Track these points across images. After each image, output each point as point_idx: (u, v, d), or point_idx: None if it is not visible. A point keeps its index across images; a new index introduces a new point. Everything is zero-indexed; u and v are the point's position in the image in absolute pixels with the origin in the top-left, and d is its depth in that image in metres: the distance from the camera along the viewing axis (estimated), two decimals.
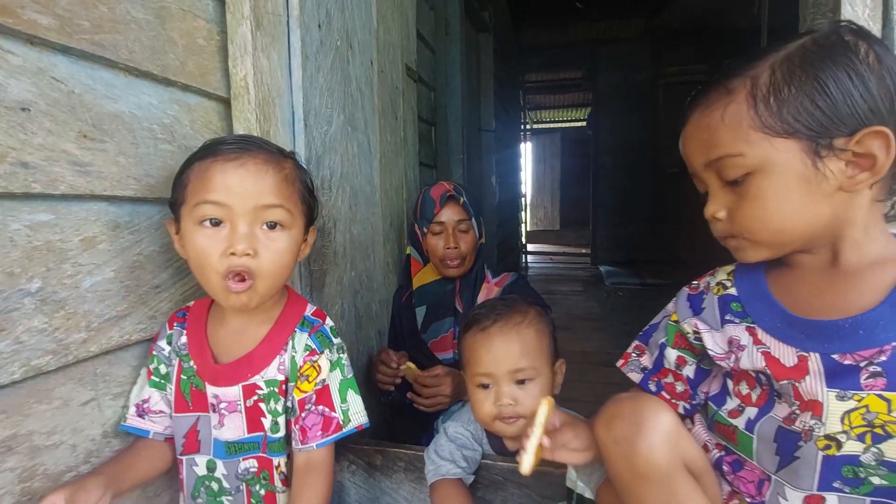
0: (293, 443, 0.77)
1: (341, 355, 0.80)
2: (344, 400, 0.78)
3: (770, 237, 0.59)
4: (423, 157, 2.09)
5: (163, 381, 0.77)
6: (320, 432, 0.75)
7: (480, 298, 1.44)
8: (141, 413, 0.75)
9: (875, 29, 0.72)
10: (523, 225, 6.28)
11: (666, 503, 0.60)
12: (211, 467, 0.76)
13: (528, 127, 7.94)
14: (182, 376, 0.76)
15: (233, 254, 0.67)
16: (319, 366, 0.76)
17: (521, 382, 0.84)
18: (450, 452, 0.89)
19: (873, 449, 0.55)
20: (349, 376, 0.80)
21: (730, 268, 0.70)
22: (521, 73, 6.13)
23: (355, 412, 0.79)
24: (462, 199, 1.37)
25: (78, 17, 0.65)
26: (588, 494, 0.77)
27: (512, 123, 5.40)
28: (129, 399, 0.76)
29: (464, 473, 0.87)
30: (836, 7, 0.73)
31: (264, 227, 0.70)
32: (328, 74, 1.17)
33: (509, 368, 0.84)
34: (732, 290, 0.67)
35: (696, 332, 0.68)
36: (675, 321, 0.71)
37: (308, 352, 0.76)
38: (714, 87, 0.59)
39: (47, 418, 0.64)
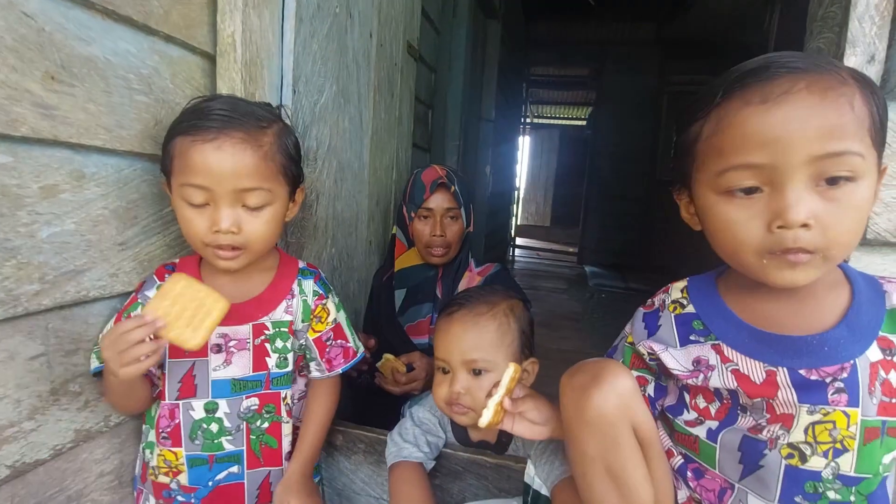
0: (317, 372, 0.88)
1: (337, 299, 0.92)
2: (352, 334, 0.92)
3: (847, 251, 0.55)
4: (417, 138, 2.06)
5: None
6: (342, 360, 0.89)
7: (461, 286, 1.42)
8: None
9: (881, 47, 0.71)
10: (514, 218, 6.26)
11: (605, 453, 0.62)
12: (210, 409, 0.79)
13: (527, 121, 7.88)
14: None
15: (218, 231, 0.70)
16: (328, 308, 0.87)
17: (477, 373, 0.83)
18: (414, 436, 0.88)
19: (832, 464, 0.56)
20: (348, 315, 0.93)
21: (682, 284, 0.69)
22: (527, 66, 6.06)
23: (358, 344, 0.93)
24: (453, 188, 1.34)
25: None
26: (544, 492, 0.77)
27: (512, 115, 5.35)
28: (97, 345, 0.74)
29: (425, 458, 0.86)
30: (843, 22, 0.71)
31: (248, 204, 0.72)
32: (323, 42, 1.12)
33: (462, 358, 0.83)
34: (690, 309, 0.66)
35: (651, 353, 0.66)
36: (630, 343, 0.70)
37: (317, 296, 0.86)
38: (822, 72, 0.51)
39: None
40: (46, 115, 0.63)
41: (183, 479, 0.78)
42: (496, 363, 0.82)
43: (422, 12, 1.88)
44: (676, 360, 0.64)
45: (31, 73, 0.61)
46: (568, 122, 10.09)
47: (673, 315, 0.67)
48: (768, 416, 0.59)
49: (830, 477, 0.56)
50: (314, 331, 0.87)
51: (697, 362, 0.63)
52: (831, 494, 0.57)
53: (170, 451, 0.78)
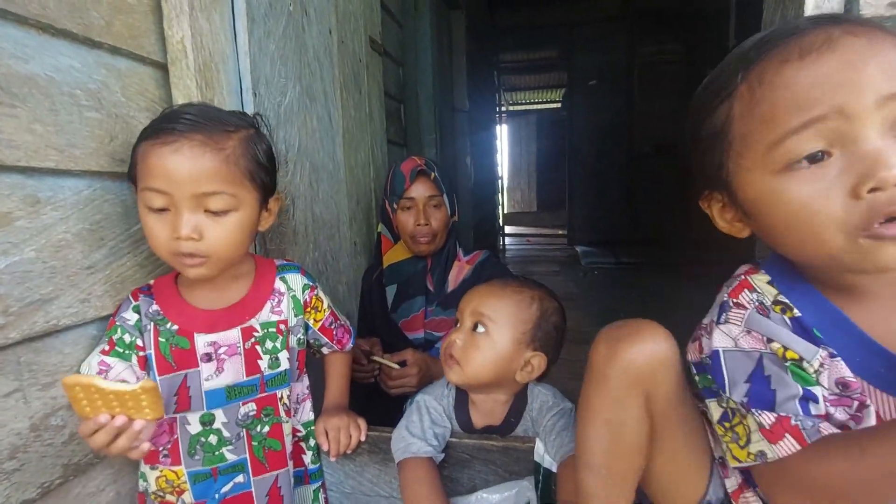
0: (328, 350, 0.95)
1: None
2: (342, 314, 0.97)
3: None
4: (392, 135, 2.03)
5: (127, 352, 0.74)
6: (347, 337, 0.96)
7: (452, 277, 1.41)
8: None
9: (838, 9, 0.70)
10: (500, 207, 6.26)
11: (611, 416, 0.59)
12: (207, 421, 0.77)
13: (503, 109, 7.87)
14: (160, 339, 0.75)
15: (178, 238, 0.67)
16: (320, 296, 0.90)
17: (475, 328, 0.88)
18: (422, 429, 0.87)
19: None
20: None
21: (765, 276, 0.56)
22: (496, 53, 6.04)
23: (345, 319, 0.98)
24: (433, 175, 1.32)
25: None
26: (555, 469, 0.75)
27: (486, 105, 5.33)
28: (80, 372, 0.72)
29: (434, 452, 0.84)
30: None
31: (210, 209, 0.69)
32: (280, 41, 1.09)
33: (473, 308, 0.89)
34: (797, 312, 0.52)
35: (821, 366, 0.50)
36: (795, 359, 0.51)
37: (309, 289, 0.88)
38: (856, 21, 0.46)
39: None
40: None
41: (187, 497, 0.76)
42: (500, 329, 0.85)
43: (382, 7, 1.85)
44: (829, 379, 0.50)
45: None
46: (544, 107, 10.10)
47: (788, 319, 0.52)
48: None
49: None
50: (315, 321, 0.90)
51: (845, 386, 0.49)
52: None
53: (170, 470, 0.76)
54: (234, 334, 0.78)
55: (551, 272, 4.92)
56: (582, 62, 5.93)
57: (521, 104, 10.25)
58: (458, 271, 1.42)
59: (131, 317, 0.75)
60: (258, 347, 0.80)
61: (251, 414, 0.80)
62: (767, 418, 0.50)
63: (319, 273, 1.28)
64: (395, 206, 1.34)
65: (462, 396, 0.92)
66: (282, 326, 0.83)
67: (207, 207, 0.69)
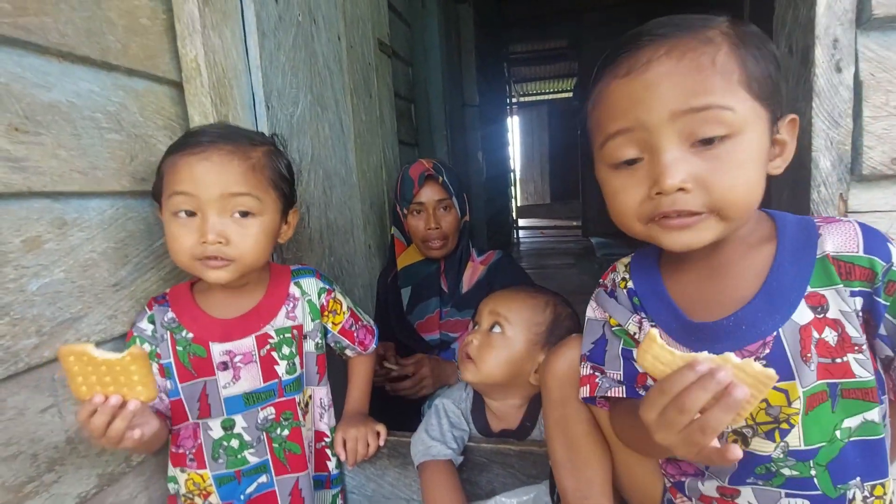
0: (352, 353, 0.97)
1: (339, 288, 0.95)
2: (361, 312, 0.97)
3: (743, 211, 0.53)
4: (403, 135, 2.03)
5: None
6: (370, 338, 0.97)
7: (466, 278, 1.41)
8: None
9: (850, 9, 0.69)
10: (513, 200, 6.23)
11: (557, 410, 0.70)
12: (227, 426, 0.79)
13: (514, 100, 7.80)
14: (178, 348, 0.77)
15: (205, 242, 0.69)
16: (338, 299, 0.91)
17: (492, 328, 0.90)
18: (441, 432, 0.89)
19: (781, 444, 0.54)
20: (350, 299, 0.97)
21: (626, 259, 0.69)
22: (505, 45, 5.98)
23: (368, 318, 0.99)
24: (441, 178, 1.33)
25: None
26: None
27: (497, 97, 5.29)
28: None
29: (453, 455, 0.86)
30: None
31: (236, 215, 0.72)
32: (290, 52, 1.11)
33: (491, 308, 0.92)
34: (631, 284, 0.66)
35: (640, 328, 0.64)
36: (617, 325, 0.66)
37: (325, 292, 0.89)
38: (684, 35, 0.52)
39: (1, 429, 0.61)
40: (17, 168, 0.63)
41: (214, 499, 0.79)
42: (515, 329, 0.88)
43: (389, 7, 1.85)
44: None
45: None
46: (555, 97, 9.98)
47: (624, 291, 0.66)
48: None
49: (782, 456, 0.54)
50: (335, 324, 0.90)
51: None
52: (786, 472, 0.55)
53: (196, 473, 0.79)
54: (248, 342, 0.79)
55: (566, 264, 4.89)
56: (592, 50, 5.84)
57: (532, 95, 10.14)
58: (473, 272, 1.43)
59: (147, 327, 0.77)
60: (274, 353, 0.81)
61: (270, 418, 0.82)
62: (586, 369, 0.67)
63: (336, 278, 1.30)
64: (405, 210, 1.35)
65: (479, 400, 0.93)
66: (296, 332, 0.84)
67: (234, 208, 0.71)
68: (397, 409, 1.31)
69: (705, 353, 0.45)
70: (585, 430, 0.68)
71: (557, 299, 0.94)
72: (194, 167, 0.69)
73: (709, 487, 0.61)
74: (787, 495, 0.55)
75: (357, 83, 1.48)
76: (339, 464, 0.94)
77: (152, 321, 0.77)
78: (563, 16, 5.78)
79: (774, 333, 0.53)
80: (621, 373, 0.64)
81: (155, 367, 0.77)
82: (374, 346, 0.98)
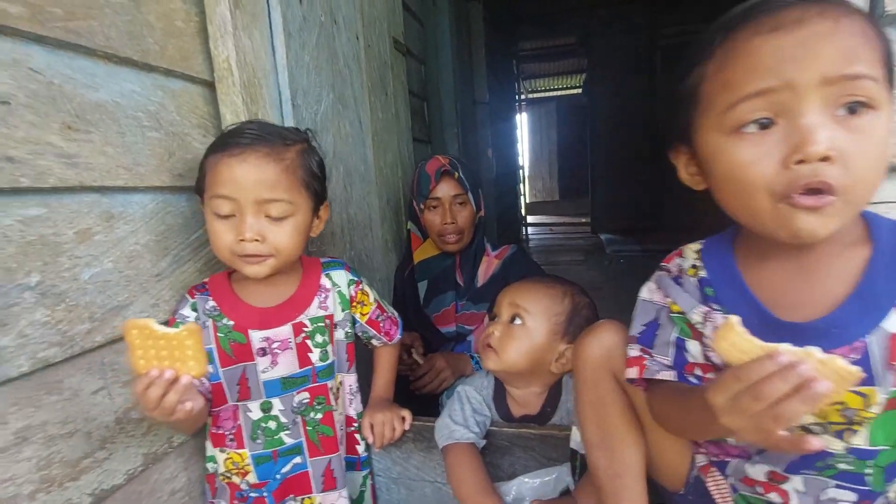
0: (378, 343, 1.01)
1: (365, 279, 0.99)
2: (386, 303, 1.02)
3: (869, 196, 0.49)
4: (416, 132, 2.07)
5: None
6: (395, 328, 1.01)
7: (481, 272, 1.45)
8: None
9: (863, 5, 0.70)
10: (522, 197, 6.24)
11: (590, 394, 0.71)
12: (266, 408, 0.84)
13: (522, 97, 7.80)
14: (219, 334, 0.81)
15: (243, 240, 0.74)
16: (366, 290, 0.96)
17: (513, 320, 0.93)
18: (464, 417, 0.92)
19: (847, 444, 0.54)
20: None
21: (696, 246, 0.65)
22: (514, 42, 5.98)
23: (392, 310, 1.03)
24: (457, 174, 1.36)
25: (49, 3, 0.64)
26: None
27: (506, 94, 5.30)
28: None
29: (476, 438, 0.89)
30: None
31: (271, 216, 0.77)
32: (314, 52, 1.14)
33: (510, 300, 0.94)
34: (704, 273, 0.62)
35: (706, 319, 0.60)
36: (679, 312, 0.62)
37: (354, 284, 0.94)
38: (833, 2, 0.49)
39: (59, 409, 0.65)
40: (70, 164, 0.67)
41: (251, 477, 0.83)
42: (535, 320, 0.90)
43: (403, 6, 1.88)
44: (712, 331, 0.59)
45: (48, 125, 0.64)
46: (563, 93, 9.95)
47: (694, 280, 0.62)
48: None
49: (843, 452, 0.54)
50: (362, 314, 0.95)
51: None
52: (842, 465, 0.54)
53: (236, 452, 0.83)
54: (285, 330, 0.84)
55: (575, 261, 4.90)
56: (602, 46, 5.82)
57: (541, 91, 10.12)
58: (487, 266, 1.46)
59: (189, 314, 0.81)
60: (308, 342, 0.86)
61: (305, 402, 0.86)
62: (634, 350, 0.65)
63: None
64: (421, 206, 1.38)
65: (500, 387, 0.96)
66: (328, 321, 0.89)
67: (269, 213, 0.76)
68: (417, 400, 1.35)
69: (787, 345, 0.44)
70: (619, 411, 0.69)
71: (575, 289, 0.97)
72: (233, 170, 0.73)
73: (758, 471, 0.60)
74: (837, 486, 0.55)
75: (374, 81, 1.51)
76: (368, 447, 0.98)
77: (195, 309, 0.81)
78: (573, 12, 5.77)
79: (864, 339, 0.51)
80: (670, 360, 0.62)
81: None
82: (398, 336, 1.02)
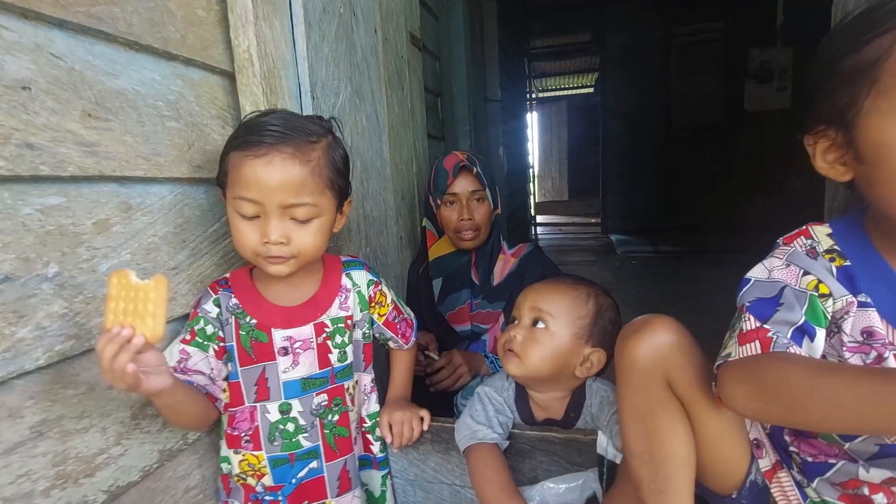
0: (395, 346, 1.00)
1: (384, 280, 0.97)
2: (403, 305, 1.01)
3: None
4: (430, 128, 2.04)
5: (206, 343, 0.79)
6: (410, 331, 1.00)
7: (497, 270, 1.42)
8: (181, 372, 0.77)
9: None
10: (532, 196, 6.20)
11: (638, 398, 0.63)
12: (284, 409, 0.82)
13: (534, 96, 7.75)
14: (241, 332, 0.80)
15: (268, 242, 0.73)
16: (384, 291, 0.94)
17: (535, 323, 0.90)
18: (486, 417, 0.90)
19: None
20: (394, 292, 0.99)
21: (825, 230, 0.57)
22: (526, 40, 5.94)
23: (409, 311, 1.03)
24: (475, 170, 1.34)
25: None
26: (619, 461, 0.76)
27: (518, 93, 5.27)
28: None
29: (500, 439, 0.87)
30: None
31: (296, 218, 0.75)
32: (333, 44, 1.12)
33: (531, 304, 0.91)
34: (846, 262, 0.54)
35: (845, 312, 0.52)
36: (825, 293, 0.53)
37: (373, 284, 0.92)
38: None
39: (75, 403, 0.64)
40: (90, 153, 0.65)
41: (267, 480, 0.81)
42: (559, 324, 0.87)
43: (419, 0, 1.85)
44: (854, 326, 0.52)
45: (69, 112, 0.63)
46: (575, 92, 9.88)
47: (835, 268, 0.54)
48: None
49: None
50: (380, 315, 0.93)
51: (870, 335, 0.51)
52: None
53: (252, 454, 0.81)
54: (307, 330, 0.82)
55: (586, 262, 4.86)
56: (615, 44, 5.76)
57: (552, 90, 10.06)
58: (504, 264, 1.43)
59: (212, 309, 0.79)
60: (329, 342, 0.84)
61: (323, 404, 0.84)
62: (751, 323, 0.53)
63: None
64: (438, 201, 1.36)
65: (522, 390, 0.94)
66: (349, 322, 0.87)
67: (294, 216, 0.74)
68: (431, 399, 1.33)
69: None
70: (669, 422, 0.63)
71: (598, 289, 0.94)
72: (258, 172, 0.71)
73: (874, 475, 0.54)
74: None
75: (391, 76, 1.49)
76: (385, 447, 0.96)
77: (218, 304, 0.79)
78: (586, 10, 5.72)
79: None
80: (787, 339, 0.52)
81: (212, 349, 0.79)
82: (414, 338, 1.00)
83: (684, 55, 5.43)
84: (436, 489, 0.95)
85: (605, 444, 0.78)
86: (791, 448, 0.64)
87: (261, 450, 0.81)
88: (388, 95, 1.45)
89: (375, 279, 0.93)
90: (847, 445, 0.57)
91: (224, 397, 0.81)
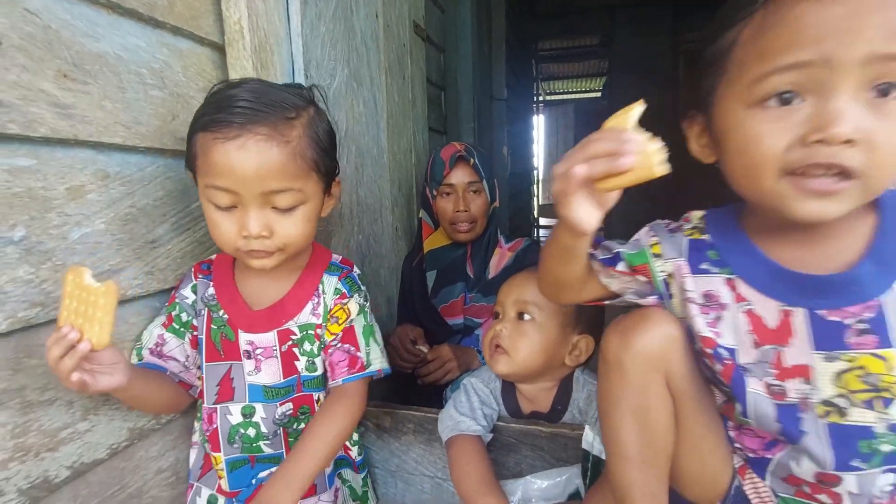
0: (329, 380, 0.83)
1: (366, 303, 0.83)
2: (367, 343, 0.80)
3: (889, 180, 0.48)
4: (432, 122, 2.02)
5: (182, 330, 0.76)
6: (346, 369, 0.78)
7: (493, 264, 1.39)
8: (157, 355, 0.75)
9: None
10: (535, 199, 6.17)
11: (635, 393, 0.60)
12: (248, 413, 0.77)
13: (540, 98, 7.72)
14: (212, 325, 0.76)
15: (248, 235, 0.66)
16: (349, 308, 0.79)
17: (521, 317, 0.86)
18: (470, 409, 0.87)
19: (884, 415, 0.51)
20: (372, 323, 0.83)
21: (700, 213, 0.65)
22: (534, 41, 5.92)
23: (375, 358, 0.81)
24: (473, 161, 1.31)
25: None
26: (604, 457, 0.73)
27: (524, 94, 5.25)
28: (139, 342, 0.74)
29: (483, 431, 0.84)
30: None
31: (278, 206, 0.68)
32: (330, 24, 1.10)
33: (515, 298, 0.87)
34: (707, 237, 0.61)
35: (670, 276, 0.61)
36: (656, 253, 0.63)
37: (338, 295, 0.79)
38: None
39: (39, 374, 0.61)
40: (64, 115, 0.63)
41: (224, 484, 0.77)
42: (546, 314, 0.84)
43: None
44: (697, 288, 0.59)
45: (42, 72, 0.60)
46: (582, 96, 9.84)
47: (687, 239, 0.61)
48: (774, 371, 0.54)
49: (885, 431, 0.51)
50: (329, 332, 0.78)
51: (708, 297, 0.58)
52: (885, 447, 0.51)
53: (212, 455, 0.78)
54: (270, 337, 0.76)
55: None
56: (623, 49, 5.73)
57: (559, 93, 10.03)
58: (500, 258, 1.40)
59: (189, 296, 0.77)
60: (296, 349, 0.77)
61: (288, 413, 0.78)
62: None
63: (363, 256, 1.29)
64: (434, 192, 1.33)
65: (509, 382, 0.91)
66: (318, 331, 0.78)
67: (275, 204, 0.67)
68: (420, 393, 1.30)
69: (641, 133, 0.49)
70: (666, 424, 0.61)
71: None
72: (230, 158, 0.63)
73: (805, 470, 0.56)
74: (883, 472, 0.52)
75: (392, 63, 1.46)
76: (362, 449, 0.92)
77: (195, 291, 0.76)
78: (595, 12, 5.69)
79: (878, 299, 0.50)
80: (611, 257, 0.66)
81: (188, 337, 0.76)
82: (342, 381, 0.78)
83: (694, 61, 5.39)
84: (417, 481, 0.92)
85: (591, 440, 0.74)
86: (736, 444, 0.63)
87: (219, 451, 0.76)
88: (388, 83, 1.43)
89: (343, 290, 0.79)
90: (751, 422, 0.58)
91: (199, 384, 0.78)
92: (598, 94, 8.84)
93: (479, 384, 0.91)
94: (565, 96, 10.14)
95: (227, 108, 0.64)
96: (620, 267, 0.65)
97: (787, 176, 0.48)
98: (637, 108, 0.50)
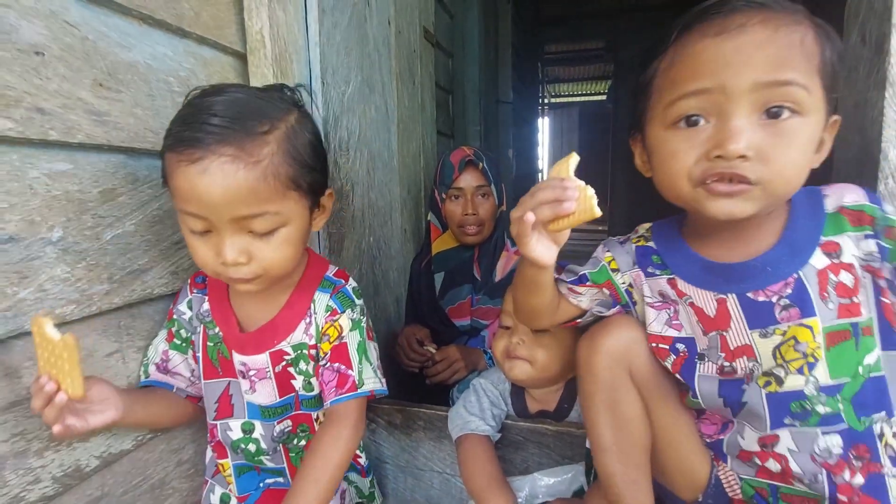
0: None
1: (362, 317, 0.77)
2: (360, 361, 0.75)
3: (789, 187, 0.55)
4: (440, 125, 2.05)
5: (183, 345, 0.77)
6: (335, 389, 0.73)
7: (500, 266, 1.42)
8: (163, 371, 0.76)
9: None
10: None
11: (606, 390, 0.67)
12: (247, 429, 0.77)
13: (546, 101, 7.74)
14: (209, 343, 0.76)
15: (224, 262, 0.62)
16: (340, 325, 0.74)
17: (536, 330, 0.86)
18: (480, 409, 0.89)
19: (811, 378, 0.57)
20: (366, 340, 0.77)
21: (648, 224, 0.73)
22: (541, 44, 5.95)
23: (368, 377, 0.75)
24: (481, 165, 1.34)
25: None
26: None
27: (530, 96, 5.27)
28: (146, 357, 0.75)
29: (492, 431, 0.87)
30: None
31: (254, 230, 0.63)
32: (346, 32, 1.13)
33: None
34: (651, 244, 0.69)
35: (630, 286, 0.70)
36: (614, 269, 0.71)
37: (329, 312, 0.74)
38: (778, 10, 0.53)
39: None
40: (99, 122, 0.66)
41: (233, 489, 0.79)
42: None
43: None
44: (652, 290, 0.68)
45: (80, 81, 0.64)
46: (587, 99, 9.86)
47: (635, 246, 0.70)
48: (723, 354, 0.61)
49: (815, 392, 0.57)
50: (322, 351, 0.75)
51: (664, 296, 0.67)
52: (820, 409, 0.57)
53: (219, 462, 0.80)
54: (262, 359, 0.73)
55: None
56: (629, 52, 5.74)
57: (564, 96, 10.04)
58: (507, 261, 1.43)
59: (185, 311, 0.76)
60: (291, 369, 0.75)
61: (287, 430, 0.78)
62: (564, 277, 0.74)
63: (373, 258, 1.32)
64: (443, 195, 1.36)
65: (519, 386, 0.93)
66: (312, 351, 0.75)
67: (251, 229, 0.62)
68: (428, 393, 1.33)
69: (578, 181, 0.56)
70: (636, 414, 0.67)
71: None
72: (195, 184, 0.57)
73: (749, 441, 0.62)
74: (823, 433, 0.58)
75: (402, 69, 1.49)
76: (368, 455, 0.93)
77: (190, 307, 0.76)
78: (601, 17, 5.71)
79: (795, 275, 0.58)
80: (577, 278, 0.73)
81: (191, 352, 0.77)
82: (334, 401, 0.73)
83: None
84: (426, 476, 0.94)
85: None
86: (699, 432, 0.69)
87: (226, 458, 0.78)
88: (398, 88, 1.46)
89: (335, 306, 0.74)
90: (700, 401, 0.65)
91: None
92: (604, 98, 8.85)
93: (488, 386, 0.93)
94: (570, 99, 10.15)
95: (192, 123, 0.59)
96: (588, 284, 0.72)
97: (699, 184, 0.56)
98: (574, 158, 0.58)
